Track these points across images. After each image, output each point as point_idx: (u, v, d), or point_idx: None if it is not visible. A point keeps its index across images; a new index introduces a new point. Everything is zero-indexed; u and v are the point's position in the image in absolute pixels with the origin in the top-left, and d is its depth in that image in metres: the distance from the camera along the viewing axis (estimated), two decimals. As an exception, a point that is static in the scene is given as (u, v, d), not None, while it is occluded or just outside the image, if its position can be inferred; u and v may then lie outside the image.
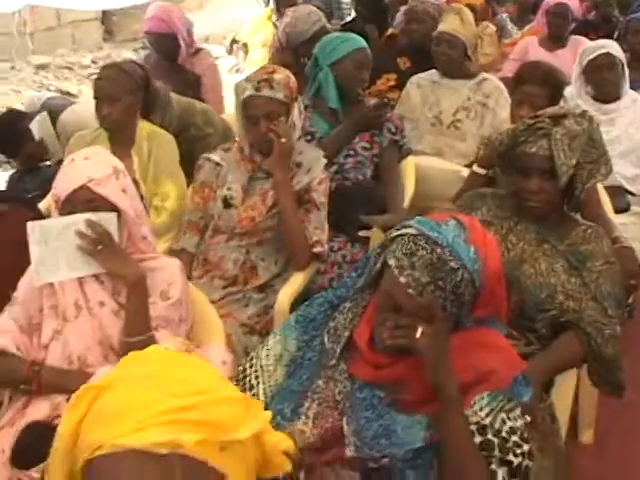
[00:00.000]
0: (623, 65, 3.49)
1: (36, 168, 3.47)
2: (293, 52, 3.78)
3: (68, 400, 1.96)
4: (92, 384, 0.95)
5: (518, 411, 1.58)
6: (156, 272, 2.07)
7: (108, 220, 2.01)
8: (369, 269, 1.66)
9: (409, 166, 3.24)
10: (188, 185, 2.92)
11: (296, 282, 2.53)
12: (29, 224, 2.03)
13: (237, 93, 2.57)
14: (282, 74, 2.57)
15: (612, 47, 3.51)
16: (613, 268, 2.16)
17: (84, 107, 3.58)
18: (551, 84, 2.92)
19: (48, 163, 3.54)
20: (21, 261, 2.20)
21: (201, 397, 0.92)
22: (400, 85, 4.15)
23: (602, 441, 2.72)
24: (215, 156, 2.69)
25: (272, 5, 5.45)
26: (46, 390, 2.00)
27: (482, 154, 2.86)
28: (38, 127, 3.43)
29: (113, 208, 2.01)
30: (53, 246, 2.01)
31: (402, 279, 1.49)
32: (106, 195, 2.00)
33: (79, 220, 1.99)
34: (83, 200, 1.99)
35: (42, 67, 6.10)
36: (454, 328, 1.59)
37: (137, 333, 1.98)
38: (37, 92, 5.68)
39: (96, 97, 2.83)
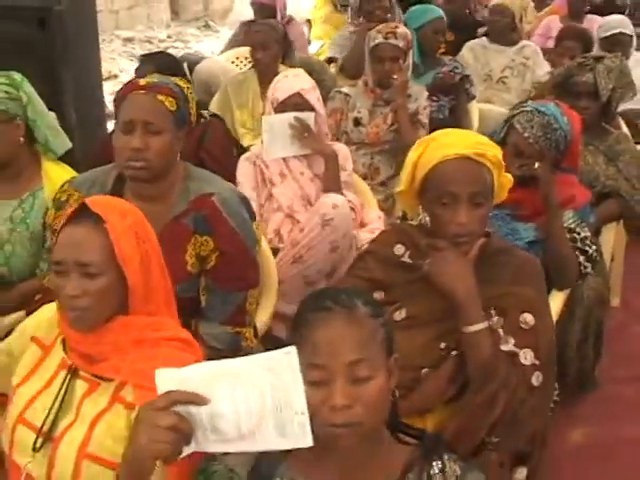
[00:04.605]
0: (632, 37, 4.48)
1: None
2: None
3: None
4: (421, 139, 1.91)
5: (587, 228, 2.59)
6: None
7: (309, 118, 2.93)
8: (497, 136, 2.66)
9: (473, 107, 4.24)
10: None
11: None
12: (264, 118, 2.96)
13: (368, 41, 3.54)
14: (403, 29, 3.55)
15: (625, 25, 4.47)
16: (638, 159, 3.20)
17: (213, 62, 4.53)
18: (584, 40, 3.99)
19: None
20: (226, 155, 3.17)
21: (490, 145, 1.87)
22: (448, 52, 5.17)
23: (626, 305, 3.65)
24: (344, 89, 3.67)
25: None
26: None
27: (534, 93, 3.87)
28: (181, 76, 4.33)
29: (312, 110, 2.95)
30: (275, 133, 2.94)
31: (525, 134, 2.48)
32: (309, 100, 2.94)
33: (291, 116, 2.92)
34: (293, 103, 2.92)
35: (129, 40, 7.08)
36: (549, 172, 2.59)
37: (335, 190, 2.89)
38: (129, 61, 6.68)
39: (251, 45, 3.80)
